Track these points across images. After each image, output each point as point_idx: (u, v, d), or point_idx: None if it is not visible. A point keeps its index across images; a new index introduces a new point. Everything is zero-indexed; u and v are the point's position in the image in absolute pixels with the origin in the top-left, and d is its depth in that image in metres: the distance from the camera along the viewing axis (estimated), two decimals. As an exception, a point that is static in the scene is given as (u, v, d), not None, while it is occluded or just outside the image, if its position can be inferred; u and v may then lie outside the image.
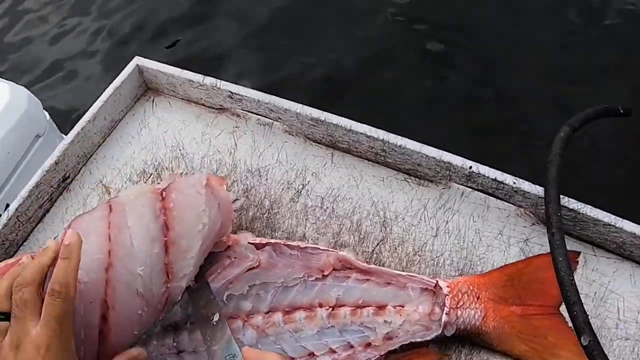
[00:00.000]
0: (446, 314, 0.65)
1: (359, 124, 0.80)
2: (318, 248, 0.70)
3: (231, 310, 0.67)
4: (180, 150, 0.88)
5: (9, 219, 0.79)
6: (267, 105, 0.84)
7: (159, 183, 0.72)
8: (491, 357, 0.67)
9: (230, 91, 0.86)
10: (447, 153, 0.76)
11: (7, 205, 0.89)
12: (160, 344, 0.66)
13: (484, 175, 0.75)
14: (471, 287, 0.67)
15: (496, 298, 0.67)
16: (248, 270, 0.68)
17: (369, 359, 0.64)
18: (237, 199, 0.79)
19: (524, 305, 0.66)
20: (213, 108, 0.92)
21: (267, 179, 0.82)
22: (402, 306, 0.67)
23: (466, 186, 0.78)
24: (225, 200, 0.70)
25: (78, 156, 0.88)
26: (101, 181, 0.86)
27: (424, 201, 0.78)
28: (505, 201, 0.77)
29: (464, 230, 0.76)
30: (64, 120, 1.90)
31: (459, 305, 0.66)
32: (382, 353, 0.64)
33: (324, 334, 0.66)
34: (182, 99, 0.94)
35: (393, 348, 0.64)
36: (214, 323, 0.62)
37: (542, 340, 0.65)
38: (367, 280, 0.69)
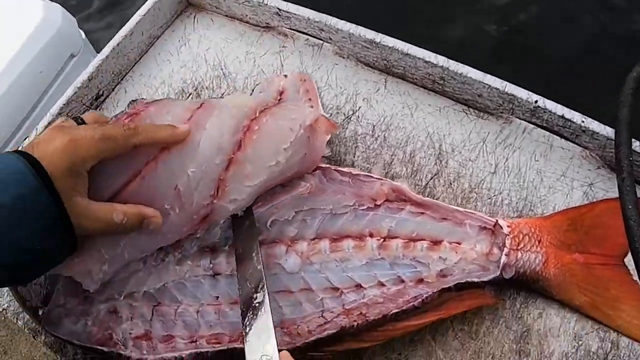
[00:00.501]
0: (506, 254, 0.61)
1: (417, 48, 0.73)
2: (371, 176, 0.65)
3: (274, 235, 0.63)
4: (222, 69, 0.82)
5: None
6: (317, 24, 0.78)
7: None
8: (548, 307, 0.62)
9: (278, 8, 0.80)
10: (511, 84, 0.70)
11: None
12: (195, 265, 0.63)
13: (550, 111, 0.68)
14: (532, 229, 0.63)
15: (558, 243, 0.62)
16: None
17: (421, 295, 0.59)
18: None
19: (586, 254, 0.62)
20: (258, 26, 0.86)
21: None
22: (459, 243, 0.62)
23: (529, 122, 0.72)
24: (318, 150, 0.66)
25: (113, 73, 0.83)
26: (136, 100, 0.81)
27: (482, 135, 0.72)
28: (571, 141, 0.71)
29: (524, 169, 0.70)
30: (100, 39, 1.83)
31: (519, 247, 0.61)
32: (435, 291, 0.60)
33: (373, 265, 0.62)
34: (226, 15, 0.88)
35: (447, 286, 0.60)
36: (251, 257, 0.59)
37: (603, 292, 0.61)
38: (422, 213, 0.64)
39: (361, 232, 0.63)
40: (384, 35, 0.74)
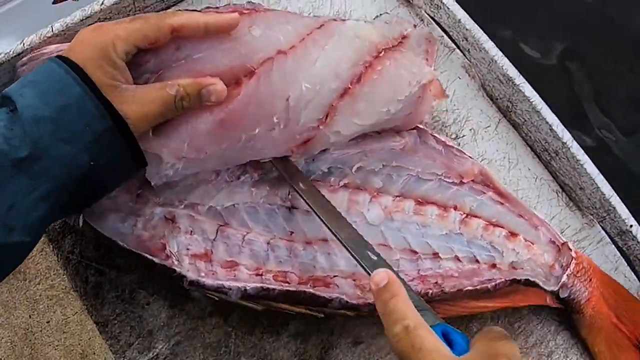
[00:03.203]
0: (567, 275, 0.63)
1: (549, 111, 0.69)
2: (463, 152, 0.66)
3: (359, 182, 0.62)
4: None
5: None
6: (465, 31, 0.72)
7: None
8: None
9: (431, -3, 0.73)
10: (617, 197, 0.67)
11: None
12: (273, 193, 0.60)
13: (638, 241, 0.66)
14: (590, 267, 0.66)
15: (602, 293, 0.66)
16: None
17: (494, 279, 0.61)
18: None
19: (617, 317, 0.66)
20: (399, -6, 0.78)
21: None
22: (532, 243, 0.64)
23: (610, 237, 0.70)
24: (421, 113, 0.65)
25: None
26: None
27: (562, 225, 0.70)
28: (637, 275, 0.69)
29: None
30: None
31: (577, 275, 0.64)
32: (508, 279, 0.62)
33: (452, 238, 0.62)
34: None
35: (519, 278, 0.62)
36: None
37: (616, 353, 0.65)
38: (502, 204, 0.65)
39: (445, 202, 0.64)
40: (524, 80, 0.69)
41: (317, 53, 0.55)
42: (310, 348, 0.62)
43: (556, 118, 0.69)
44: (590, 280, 0.65)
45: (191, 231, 0.57)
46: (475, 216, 0.64)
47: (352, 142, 0.62)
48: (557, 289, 0.63)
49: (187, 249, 0.56)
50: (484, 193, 0.65)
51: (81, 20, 0.64)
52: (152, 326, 0.60)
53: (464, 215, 0.63)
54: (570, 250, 0.64)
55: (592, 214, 0.70)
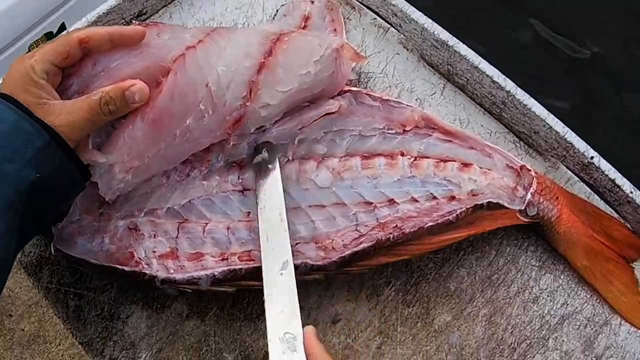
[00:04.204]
0: (531, 193, 0.64)
1: (488, 64, 0.70)
2: (401, 102, 0.67)
3: (303, 152, 0.64)
4: (278, 22, 0.78)
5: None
6: (392, 7, 0.74)
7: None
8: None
9: (358, -21, 0.75)
10: (572, 132, 0.68)
11: (62, 26, 0.80)
12: (223, 180, 0.62)
13: (602, 172, 0.67)
14: (553, 187, 0.67)
15: (572, 210, 0.67)
16: (324, 115, 0.65)
17: (454, 210, 0.62)
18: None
19: (593, 231, 0.67)
20: (328, -13, 0.81)
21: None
22: (489, 169, 0.66)
23: (576, 174, 0.70)
24: (344, 73, 0.67)
25: (165, -5, 0.78)
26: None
27: (526, 173, 0.70)
28: (610, 206, 0.69)
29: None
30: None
31: (542, 193, 0.65)
32: (469, 207, 0.62)
33: (405, 182, 0.64)
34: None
35: (480, 203, 0.63)
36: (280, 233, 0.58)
37: (602, 263, 0.66)
38: (450, 141, 0.67)
39: (392, 151, 0.65)
40: (458, 41, 0.71)
41: (225, 42, 0.59)
42: (289, 332, 0.62)
43: (496, 70, 0.70)
44: (557, 198, 0.66)
45: (154, 234, 0.59)
46: (425, 157, 0.66)
47: (288, 117, 0.64)
48: (524, 207, 0.64)
49: (154, 252, 0.59)
50: (430, 135, 0.67)
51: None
52: (134, 338, 0.62)
53: (412, 159, 0.65)
54: (530, 170, 0.66)
55: (552, 156, 0.71)
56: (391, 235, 0.60)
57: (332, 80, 0.65)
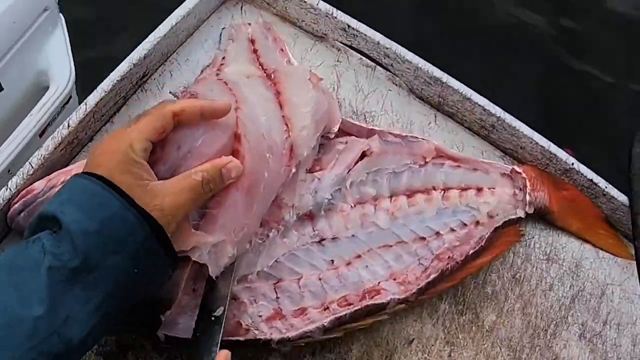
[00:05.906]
0: (528, 194, 0.76)
1: (478, 95, 0.80)
2: (416, 136, 0.75)
3: (357, 196, 0.70)
4: (274, 71, 0.82)
5: (86, 115, 0.70)
6: (385, 50, 0.81)
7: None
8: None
9: (347, 24, 0.82)
10: (554, 145, 0.80)
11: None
12: (300, 234, 0.66)
13: (580, 173, 0.80)
14: (536, 173, 0.79)
15: (554, 187, 0.80)
16: (363, 156, 0.71)
17: (484, 236, 0.72)
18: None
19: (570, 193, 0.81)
20: (311, 34, 0.86)
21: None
22: (494, 187, 0.75)
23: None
24: (328, 92, 0.74)
25: (161, 53, 0.79)
26: (186, 87, 0.77)
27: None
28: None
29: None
30: None
31: (534, 188, 0.77)
32: (492, 230, 0.72)
33: (443, 214, 0.72)
34: (277, 14, 0.86)
35: (498, 225, 0.73)
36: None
37: (587, 220, 0.81)
38: (459, 166, 0.75)
39: (425, 186, 0.73)
40: (449, 77, 0.80)
41: (250, 98, 0.67)
42: (377, 362, 0.70)
43: (486, 100, 0.81)
44: (543, 182, 0.78)
45: (254, 300, 0.62)
46: (450, 188, 0.73)
47: (333, 162, 0.70)
48: (528, 209, 0.76)
49: (259, 316, 0.61)
50: (443, 164, 0.75)
51: (55, 148, 0.67)
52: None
53: (442, 191, 0.73)
54: (520, 173, 0.77)
55: (537, 165, 0.82)
56: (449, 265, 0.68)
57: (331, 114, 0.72)
